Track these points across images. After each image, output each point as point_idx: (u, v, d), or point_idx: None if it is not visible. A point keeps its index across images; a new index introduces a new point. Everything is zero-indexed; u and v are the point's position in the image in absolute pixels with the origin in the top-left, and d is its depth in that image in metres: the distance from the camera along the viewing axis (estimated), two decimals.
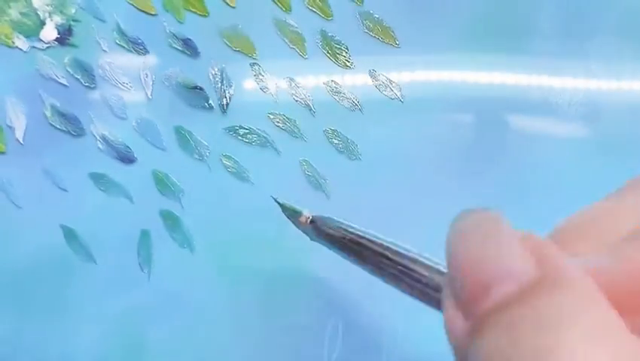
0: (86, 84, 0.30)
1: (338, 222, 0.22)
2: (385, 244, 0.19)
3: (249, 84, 0.30)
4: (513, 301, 0.12)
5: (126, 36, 0.30)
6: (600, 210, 0.14)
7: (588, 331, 0.11)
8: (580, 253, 0.13)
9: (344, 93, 0.31)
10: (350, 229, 0.22)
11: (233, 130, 0.30)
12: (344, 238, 0.22)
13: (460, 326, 0.12)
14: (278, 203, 0.25)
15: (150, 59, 0.30)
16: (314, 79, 0.31)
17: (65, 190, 0.29)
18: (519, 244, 0.12)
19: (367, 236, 0.21)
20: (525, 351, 0.11)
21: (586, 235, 0.14)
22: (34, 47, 0.30)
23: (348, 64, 0.31)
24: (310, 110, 0.31)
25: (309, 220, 0.24)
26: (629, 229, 0.12)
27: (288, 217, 0.25)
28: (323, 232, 0.23)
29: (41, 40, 0.30)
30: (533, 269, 0.12)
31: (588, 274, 0.12)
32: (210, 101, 0.30)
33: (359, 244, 0.21)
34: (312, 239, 0.24)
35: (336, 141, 0.31)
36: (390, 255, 0.18)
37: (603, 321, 0.11)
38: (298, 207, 0.24)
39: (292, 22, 0.31)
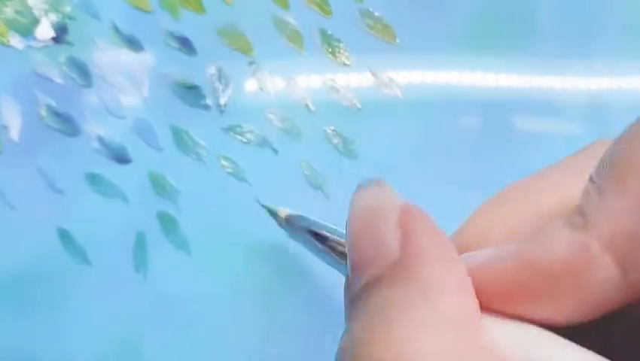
0: (82, 83, 0.29)
1: (309, 220, 0.23)
2: (337, 238, 0.20)
3: (247, 83, 0.30)
4: (368, 288, 0.12)
5: (122, 34, 0.29)
6: (521, 189, 0.14)
7: (416, 327, 0.11)
8: (493, 239, 0.13)
9: (343, 92, 0.31)
10: (315, 225, 0.23)
11: (230, 130, 0.30)
12: (308, 233, 0.23)
13: (345, 295, 0.13)
14: (261, 204, 0.27)
15: (147, 58, 0.30)
16: (313, 78, 0.31)
17: (60, 191, 0.29)
18: (394, 223, 0.12)
19: (325, 231, 0.21)
20: (360, 345, 0.11)
21: (504, 217, 0.13)
22: (29, 46, 0.29)
23: (347, 62, 0.31)
24: (309, 109, 0.30)
25: (286, 218, 0.26)
26: (546, 210, 0.12)
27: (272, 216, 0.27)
28: (296, 227, 0.24)
29: (37, 38, 0.29)
30: (396, 251, 0.11)
31: (474, 264, 0.12)
32: (207, 101, 0.30)
33: (318, 237, 0.22)
34: (290, 236, 0.26)
35: (335, 141, 0.30)
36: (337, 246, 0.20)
37: (436, 316, 0.11)
38: (275, 208, 0.26)
39: (290, 20, 0.30)
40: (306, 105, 0.30)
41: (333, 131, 0.30)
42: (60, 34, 0.29)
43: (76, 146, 0.29)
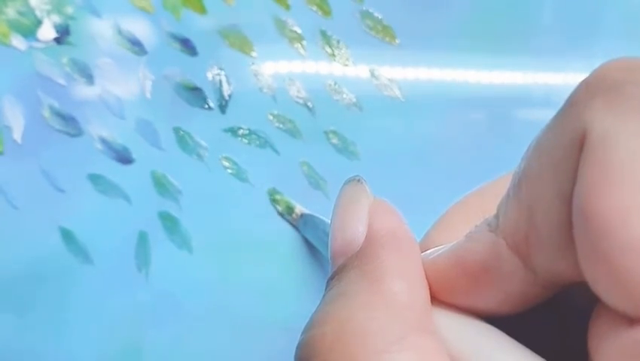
0: (85, 84, 0.29)
1: (320, 220, 0.24)
2: None
3: (248, 84, 0.30)
4: (334, 276, 0.13)
5: (124, 35, 0.30)
6: (479, 194, 0.15)
7: (357, 308, 0.12)
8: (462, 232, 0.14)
9: (344, 93, 0.31)
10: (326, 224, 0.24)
11: (232, 130, 0.30)
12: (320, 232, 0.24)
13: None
14: (274, 198, 0.28)
15: (149, 59, 0.30)
16: (313, 78, 0.31)
17: (62, 191, 0.29)
18: (364, 215, 0.13)
19: None
20: (316, 322, 0.12)
21: (462, 221, 0.15)
22: (31, 47, 0.29)
23: (347, 63, 0.31)
24: (309, 109, 0.30)
25: (300, 215, 0.27)
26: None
27: (283, 214, 0.28)
28: (308, 226, 0.25)
29: (39, 39, 0.29)
30: (361, 242, 0.13)
31: (430, 259, 0.13)
32: (209, 102, 0.30)
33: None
34: (301, 232, 0.27)
35: (335, 141, 0.30)
36: None
37: (380, 299, 0.12)
38: (292, 204, 0.28)
39: (291, 21, 0.30)
40: (307, 106, 0.30)
41: (333, 131, 0.30)
42: (62, 35, 0.29)
43: (78, 146, 0.29)
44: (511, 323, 0.12)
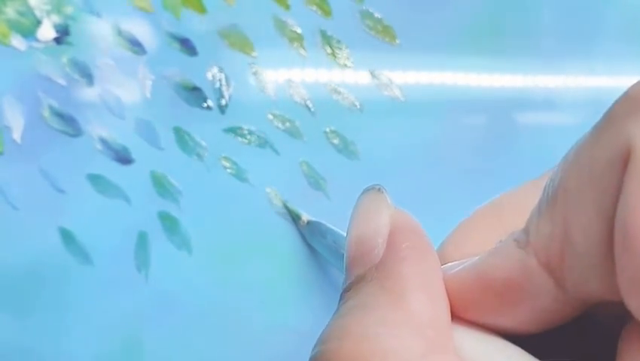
0: (84, 84, 0.29)
1: (327, 228, 0.25)
2: None
3: (248, 84, 0.30)
4: (351, 287, 0.12)
5: (123, 35, 0.30)
6: (511, 197, 0.15)
7: (375, 325, 0.11)
8: (481, 246, 0.13)
9: (344, 93, 0.31)
10: (333, 232, 0.24)
11: (232, 131, 0.30)
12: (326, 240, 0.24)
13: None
14: (285, 206, 0.29)
15: (148, 59, 0.30)
16: (313, 78, 0.31)
17: (62, 191, 0.29)
18: (384, 227, 0.13)
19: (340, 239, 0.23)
20: (333, 335, 0.12)
21: (478, 233, 0.14)
22: (31, 47, 0.29)
23: (347, 63, 0.31)
24: (309, 110, 0.30)
25: (307, 222, 0.27)
26: (512, 227, 0.13)
27: (293, 219, 0.29)
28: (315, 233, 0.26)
29: (38, 39, 0.29)
30: (381, 254, 0.12)
31: (451, 275, 0.12)
32: (209, 102, 0.30)
33: (335, 244, 0.23)
34: (308, 240, 0.27)
35: (335, 141, 0.30)
36: None
37: (400, 315, 0.11)
38: (299, 212, 0.28)
39: (291, 21, 0.30)
40: (307, 106, 0.30)
41: (333, 131, 0.30)
42: (62, 35, 0.29)
43: (78, 146, 0.29)
44: (533, 342, 0.12)
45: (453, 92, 0.31)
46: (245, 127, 0.30)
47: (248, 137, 0.30)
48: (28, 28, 0.29)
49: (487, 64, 0.32)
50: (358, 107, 0.31)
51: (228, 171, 0.30)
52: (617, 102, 0.10)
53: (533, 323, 0.12)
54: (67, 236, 0.29)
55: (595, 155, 0.10)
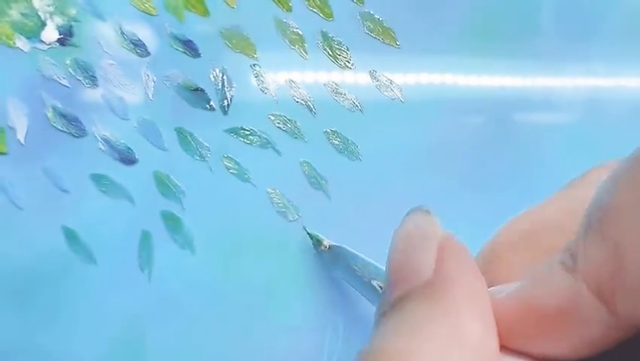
0: (88, 85, 0.30)
1: (349, 253, 0.25)
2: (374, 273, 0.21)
3: (250, 85, 0.30)
4: (399, 301, 0.12)
5: (127, 37, 0.30)
6: (542, 213, 0.14)
7: (437, 343, 0.11)
8: (514, 267, 0.13)
9: (344, 94, 0.31)
10: (354, 258, 0.24)
11: (234, 131, 0.30)
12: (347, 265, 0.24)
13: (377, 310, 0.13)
14: (307, 232, 0.29)
15: (152, 60, 0.30)
16: (314, 80, 0.31)
17: (66, 191, 0.29)
18: (433, 248, 0.12)
19: (363, 264, 0.23)
20: (377, 354, 0.11)
21: (525, 244, 0.14)
22: (35, 48, 0.29)
23: (348, 64, 0.31)
24: (311, 110, 0.31)
25: (328, 247, 0.27)
26: (548, 248, 0.12)
27: (314, 244, 0.29)
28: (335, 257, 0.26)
29: (42, 41, 0.30)
30: (430, 273, 0.12)
31: (496, 300, 0.12)
32: (211, 103, 0.30)
33: (356, 269, 0.23)
34: (327, 263, 0.27)
35: (336, 142, 0.31)
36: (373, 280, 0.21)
37: (458, 338, 0.11)
38: (320, 237, 0.29)
39: (292, 23, 0.31)
40: (308, 107, 0.31)
41: (334, 132, 0.31)
42: (66, 37, 0.30)
43: (82, 147, 0.29)
44: None
45: (453, 92, 0.32)
46: (247, 128, 0.30)
47: (250, 137, 0.30)
48: (32, 30, 0.30)
49: (486, 65, 0.32)
50: (359, 108, 0.31)
51: (230, 171, 0.30)
52: None
53: (579, 349, 0.11)
54: (71, 236, 0.29)
55: None
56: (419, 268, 0.12)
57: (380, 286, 0.19)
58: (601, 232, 0.10)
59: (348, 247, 0.26)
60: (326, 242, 0.29)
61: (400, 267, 0.12)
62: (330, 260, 0.28)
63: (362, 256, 0.24)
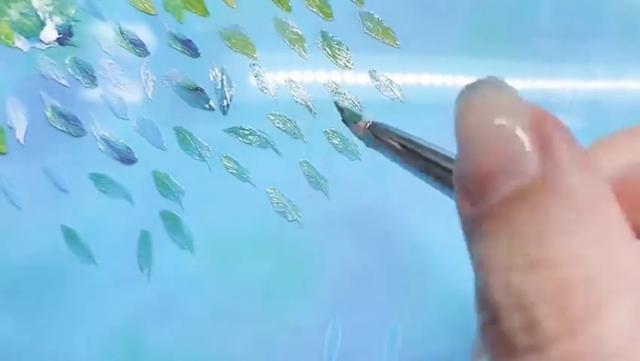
0: (87, 85, 0.30)
1: (393, 129, 0.22)
2: (432, 148, 0.20)
3: (249, 85, 0.30)
4: (512, 202, 0.10)
5: (126, 37, 0.30)
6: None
7: (587, 241, 0.10)
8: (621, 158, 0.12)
9: (344, 94, 0.31)
10: (402, 135, 0.22)
11: (233, 131, 0.30)
12: (396, 144, 0.22)
13: (468, 209, 0.11)
14: (339, 106, 0.25)
15: (151, 60, 0.30)
16: (314, 79, 0.31)
17: (65, 191, 0.29)
18: (525, 129, 0.10)
19: (416, 142, 0.21)
20: (522, 261, 0.10)
21: (622, 148, 0.13)
22: (34, 48, 0.29)
23: (348, 64, 0.31)
24: (310, 110, 0.31)
25: (368, 125, 0.24)
26: None
27: (346, 122, 0.25)
28: (378, 138, 0.23)
29: (42, 40, 0.30)
30: (536, 164, 0.10)
31: (607, 178, 0.11)
32: (210, 102, 0.30)
33: (408, 149, 0.21)
34: (367, 145, 0.25)
35: (336, 142, 0.31)
36: (434, 158, 0.19)
37: (602, 230, 0.10)
38: (358, 112, 0.25)
39: (292, 23, 0.31)
40: (307, 106, 0.31)
41: (334, 132, 0.31)
42: (65, 36, 0.30)
43: (81, 146, 0.29)
44: None
45: (453, 93, 0.31)
46: (247, 127, 0.30)
47: (250, 137, 0.30)
48: (31, 30, 0.30)
49: (486, 66, 0.32)
50: (359, 107, 0.31)
51: (229, 171, 0.30)
52: None
53: None
54: (70, 235, 0.29)
55: None
56: (519, 157, 0.10)
57: (441, 166, 0.17)
58: None
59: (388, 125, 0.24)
60: (362, 121, 0.26)
61: (488, 157, 0.10)
62: (370, 140, 0.25)
63: (407, 133, 0.22)
